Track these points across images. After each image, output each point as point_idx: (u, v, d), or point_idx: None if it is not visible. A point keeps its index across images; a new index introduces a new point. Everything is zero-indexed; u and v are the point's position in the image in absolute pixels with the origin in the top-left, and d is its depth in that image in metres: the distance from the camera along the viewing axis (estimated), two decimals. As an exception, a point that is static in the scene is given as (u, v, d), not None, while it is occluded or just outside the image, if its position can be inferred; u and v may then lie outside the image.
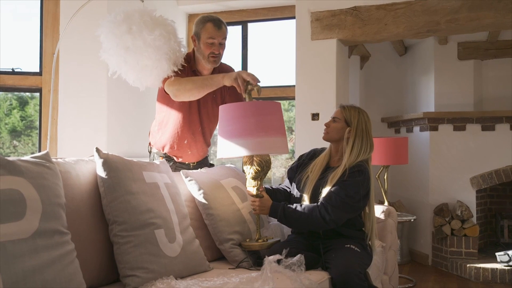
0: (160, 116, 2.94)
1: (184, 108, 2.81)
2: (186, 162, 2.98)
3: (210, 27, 2.67)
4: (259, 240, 2.33)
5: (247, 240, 2.38)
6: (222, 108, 2.35)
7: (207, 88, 2.62)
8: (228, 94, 2.88)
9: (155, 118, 3.01)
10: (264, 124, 2.24)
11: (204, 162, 3.08)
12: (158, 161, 2.33)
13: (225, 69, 2.89)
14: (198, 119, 2.88)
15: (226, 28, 2.74)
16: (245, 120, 2.24)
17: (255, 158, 2.31)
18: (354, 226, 2.43)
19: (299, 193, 2.48)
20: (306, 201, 2.41)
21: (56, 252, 1.50)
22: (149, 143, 3.05)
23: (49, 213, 1.53)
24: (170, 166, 2.57)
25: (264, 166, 2.32)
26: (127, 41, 2.64)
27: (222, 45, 2.72)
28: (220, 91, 2.84)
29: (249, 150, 2.24)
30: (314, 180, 2.44)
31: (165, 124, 2.90)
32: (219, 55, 2.73)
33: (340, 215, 2.30)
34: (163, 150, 2.92)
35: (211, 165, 3.14)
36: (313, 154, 2.64)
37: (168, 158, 2.93)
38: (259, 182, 2.36)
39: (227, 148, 2.29)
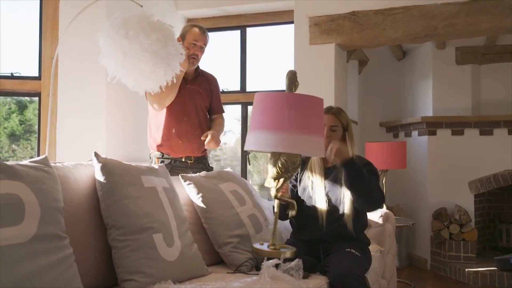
0: (150, 115, 3.23)
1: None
2: (183, 159, 3.10)
3: (196, 31, 3.11)
4: (271, 247, 2.14)
5: (261, 243, 2.24)
6: (257, 96, 2.13)
7: (175, 85, 2.96)
8: (214, 86, 3.31)
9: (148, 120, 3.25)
10: (300, 120, 2.00)
11: (202, 161, 3.18)
12: (157, 165, 2.34)
13: (207, 76, 3.31)
14: (183, 109, 3.12)
15: (208, 36, 3.19)
16: (278, 112, 2.01)
17: (281, 157, 2.10)
18: (358, 226, 2.47)
19: (311, 199, 2.49)
20: (323, 205, 2.43)
21: (54, 256, 1.50)
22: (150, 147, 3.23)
23: (48, 217, 1.53)
24: (166, 165, 2.70)
25: (289, 167, 2.10)
26: (124, 46, 2.66)
27: (202, 49, 3.14)
28: (208, 84, 3.26)
29: (276, 147, 2.01)
30: (322, 183, 2.48)
31: (154, 120, 3.18)
32: (197, 57, 3.12)
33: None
34: (157, 146, 3.13)
35: (211, 168, 3.21)
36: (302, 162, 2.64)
37: (164, 157, 3.10)
38: (278, 183, 2.15)
39: (252, 140, 2.06)
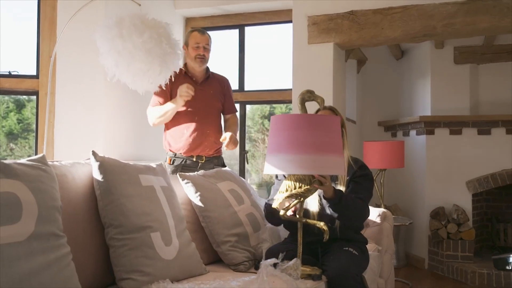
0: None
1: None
2: (194, 158, 3.22)
3: (196, 34, 3.25)
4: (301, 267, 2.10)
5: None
6: (273, 119, 2.14)
7: (168, 114, 3.18)
8: (226, 88, 3.43)
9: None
10: (317, 140, 2.00)
11: (213, 161, 3.29)
12: (154, 164, 2.34)
13: (218, 78, 3.42)
14: (193, 110, 3.23)
15: (209, 36, 3.31)
16: (295, 134, 2.01)
17: (289, 178, 2.11)
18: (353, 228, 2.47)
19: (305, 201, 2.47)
20: (316, 207, 2.40)
21: (52, 255, 1.50)
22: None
23: (45, 216, 1.53)
24: (177, 165, 3.18)
25: (297, 188, 2.09)
26: (118, 45, 2.67)
27: (206, 49, 3.26)
28: (220, 85, 3.37)
29: (295, 169, 2.00)
30: None
31: (168, 124, 3.31)
32: (204, 57, 3.25)
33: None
34: (169, 146, 3.29)
35: (224, 166, 3.28)
36: None
37: (176, 156, 3.25)
38: (286, 203, 2.16)
39: (272, 163, 2.06)
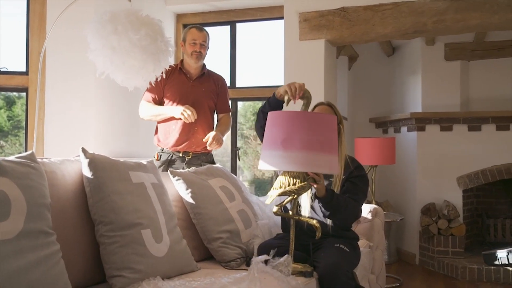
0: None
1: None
2: (181, 154, 3.22)
3: (193, 31, 3.26)
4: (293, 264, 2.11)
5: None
6: (269, 115, 2.13)
7: (161, 116, 3.23)
8: (220, 87, 3.40)
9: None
10: (312, 138, 1.99)
11: (201, 158, 3.27)
12: (144, 161, 2.33)
13: (213, 76, 3.39)
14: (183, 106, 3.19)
15: (207, 33, 3.33)
16: (286, 130, 2.01)
17: (284, 175, 2.10)
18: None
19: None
20: (307, 206, 2.40)
21: (41, 252, 1.49)
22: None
23: (34, 213, 1.52)
24: (163, 160, 3.17)
25: (291, 185, 2.08)
26: (113, 42, 2.65)
27: (203, 46, 3.27)
28: (214, 84, 3.35)
29: (289, 166, 2.00)
30: None
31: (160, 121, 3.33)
32: (201, 53, 3.25)
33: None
34: (158, 142, 3.28)
35: (213, 164, 3.28)
36: None
37: (163, 151, 3.25)
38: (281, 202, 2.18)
39: (266, 160, 2.05)
